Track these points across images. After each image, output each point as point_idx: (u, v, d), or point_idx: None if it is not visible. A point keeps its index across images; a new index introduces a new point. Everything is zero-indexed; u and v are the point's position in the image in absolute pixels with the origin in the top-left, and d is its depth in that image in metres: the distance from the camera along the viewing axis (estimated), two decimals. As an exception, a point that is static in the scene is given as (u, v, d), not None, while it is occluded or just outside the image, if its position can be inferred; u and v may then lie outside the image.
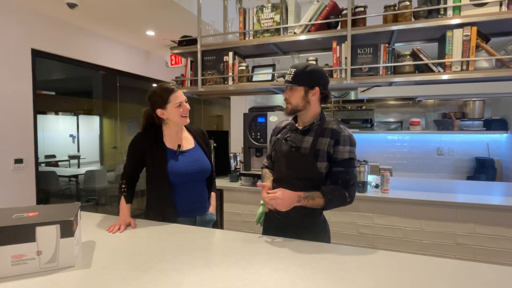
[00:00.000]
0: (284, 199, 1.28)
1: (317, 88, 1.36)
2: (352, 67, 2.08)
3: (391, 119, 4.43)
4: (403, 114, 4.40)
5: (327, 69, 2.19)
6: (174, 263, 1.08)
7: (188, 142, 1.63)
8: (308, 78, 1.35)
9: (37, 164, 3.07)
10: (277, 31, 2.27)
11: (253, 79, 2.44)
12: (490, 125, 3.79)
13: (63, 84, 4.31)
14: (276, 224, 1.45)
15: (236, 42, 2.41)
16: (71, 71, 3.96)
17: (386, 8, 2.03)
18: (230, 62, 2.43)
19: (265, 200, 1.33)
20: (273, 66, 2.47)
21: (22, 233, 0.98)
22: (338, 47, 2.11)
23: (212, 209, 1.69)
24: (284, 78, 1.88)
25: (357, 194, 1.40)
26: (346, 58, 2.08)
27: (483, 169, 3.84)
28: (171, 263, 1.08)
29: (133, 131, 4.71)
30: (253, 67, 2.56)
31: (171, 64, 4.26)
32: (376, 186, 2.48)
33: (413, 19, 1.98)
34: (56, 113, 5.09)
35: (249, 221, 2.66)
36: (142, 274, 0.99)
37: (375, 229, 2.29)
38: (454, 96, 3.28)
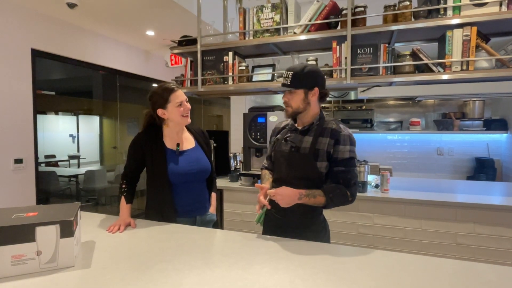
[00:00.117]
0: (285, 195, 1.29)
1: (316, 89, 1.36)
2: (352, 67, 2.08)
3: (391, 119, 4.43)
4: (403, 114, 4.39)
5: (327, 69, 2.19)
6: (174, 263, 1.08)
7: (188, 142, 1.63)
8: (308, 79, 1.34)
9: (37, 164, 3.07)
10: (277, 31, 2.27)
11: (253, 79, 2.44)
12: (490, 125, 3.79)
13: (63, 84, 4.31)
14: (276, 224, 1.45)
15: (236, 42, 2.41)
16: (71, 71, 3.96)
17: (386, 8, 2.03)
18: (230, 62, 2.43)
19: (261, 202, 1.34)
20: (273, 66, 2.47)
21: (22, 233, 0.98)
22: (338, 47, 2.11)
23: (212, 209, 1.69)
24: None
25: (357, 194, 1.40)
26: (346, 58, 2.08)
27: (483, 169, 3.84)
28: (171, 263, 1.08)
29: (133, 131, 4.73)
30: (253, 67, 2.56)
31: (171, 64, 4.26)
32: (376, 186, 2.48)
33: (413, 19, 1.98)
34: (56, 113, 5.09)
35: (249, 221, 2.66)
36: (142, 274, 0.99)
37: (375, 229, 2.29)
38: (454, 96, 3.28)
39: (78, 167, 5.19)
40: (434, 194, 2.26)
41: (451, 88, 2.02)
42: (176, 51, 2.62)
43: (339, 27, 2.15)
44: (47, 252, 1.01)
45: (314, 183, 1.36)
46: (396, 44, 2.27)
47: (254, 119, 2.65)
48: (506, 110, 3.80)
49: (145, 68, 4.50)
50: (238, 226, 2.70)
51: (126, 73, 4.21)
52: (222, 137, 3.34)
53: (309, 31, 2.19)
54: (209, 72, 2.50)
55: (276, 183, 1.46)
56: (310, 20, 2.16)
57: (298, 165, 1.38)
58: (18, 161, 2.88)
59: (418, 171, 4.28)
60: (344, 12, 2.09)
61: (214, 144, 2.98)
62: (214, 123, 7.06)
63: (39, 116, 3.11)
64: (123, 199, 1.55)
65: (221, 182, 2.82)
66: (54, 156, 4.89)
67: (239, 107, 3.85)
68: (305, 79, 1.34)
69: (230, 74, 2.43)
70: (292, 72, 1.34)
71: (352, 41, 2.05)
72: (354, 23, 2.06)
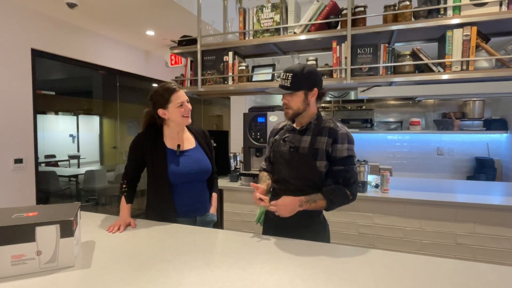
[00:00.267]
0: (285, 204, 1.29)
1: (315, 89, 1.36)
2: (352, 67, 2.08)
3: (391, 119, 4.43)
4: (403, 114, 4.40)
5: (327, 69, 2.19)
6: (174, 263, 1.07)
7: (189, 142, 1.63)
8: (307, 80, 1.34)
9: (37, 164, 3.07)
10: (277, 31, 2.27)
11: (253, 79, 2.44)
12: (490, 125, 3.79)
13: (63, 84, 4.31)
14: (276, 224, 1.45)
15: (236, 42, 2.41)
16: (71, 71, 3.96)
17: (386, 8, 2.03)
18: (230, 62, 2.43)
19: (257, 203, 1.35)
20: (273, 66, 2.47)
21: (22, 233, 0.98)
22: (338, 47, 2.11)
23: (213, 209, 1.68)
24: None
25: (357, 193, 1.40)
26: (346, 58, 2.08)
27: (483, 169, 3.84)
28: (171, 263, 1.07)
29: (133, 131, 4.73)
30: (253, 67, 2.56)
31: (171, 64, 4.26)
32: (376, 186, 2.48)
33: (413, 19, 1.98)
34: (56, 113, 5.09)
35: (249, 221, 2.66)
36: (142, 274, 0.99)
37: (375, 229, 2.29)
38: (454, 96, 3.28)
39: (78, 167, 5.19)
40: (434, 194, 2.26)
41: (451, 88, 2.02)
42: (176, 51, 2.62)
43: (339, 27, 2.15)
44: (47, 252, 1.01)
45: (314, 182, 1.36)
46: (396, 44, 2.27)
47: (254, 119, 2.65)
48: (506, 110, 3.80)
49: (145, 68, 4.50)
50: (238, 226, 2.70)
51: (126, 73, 4.20)
52: (222, 137, 3.34)
53: (309, 31, 2.18)
54: (209, 72, 2.50)
55: (276, 184, 1.46)
56: (310, 20, 2.16)
57: (298, 165, 1.38)
58: (18, 161, 2.88)
59: (418, 171, 4.28)
60: (344, 12, 2.09)
61: (214, 144, 2.98)
62: (214, 123, 7.06)
63: (39, 116, 3.11)
64: (123, 199, 1.55)
65: (221, 182, 2.81)
66: (54, 156, 4.89)
67: (239, 107, 3.85)
68: (305, 80, 1.34)
69: (230, 74, 2.43)
70: (291, 74, 1.33)
71: (352, 41, 2.05)
72: (354, 23, 2.06)
